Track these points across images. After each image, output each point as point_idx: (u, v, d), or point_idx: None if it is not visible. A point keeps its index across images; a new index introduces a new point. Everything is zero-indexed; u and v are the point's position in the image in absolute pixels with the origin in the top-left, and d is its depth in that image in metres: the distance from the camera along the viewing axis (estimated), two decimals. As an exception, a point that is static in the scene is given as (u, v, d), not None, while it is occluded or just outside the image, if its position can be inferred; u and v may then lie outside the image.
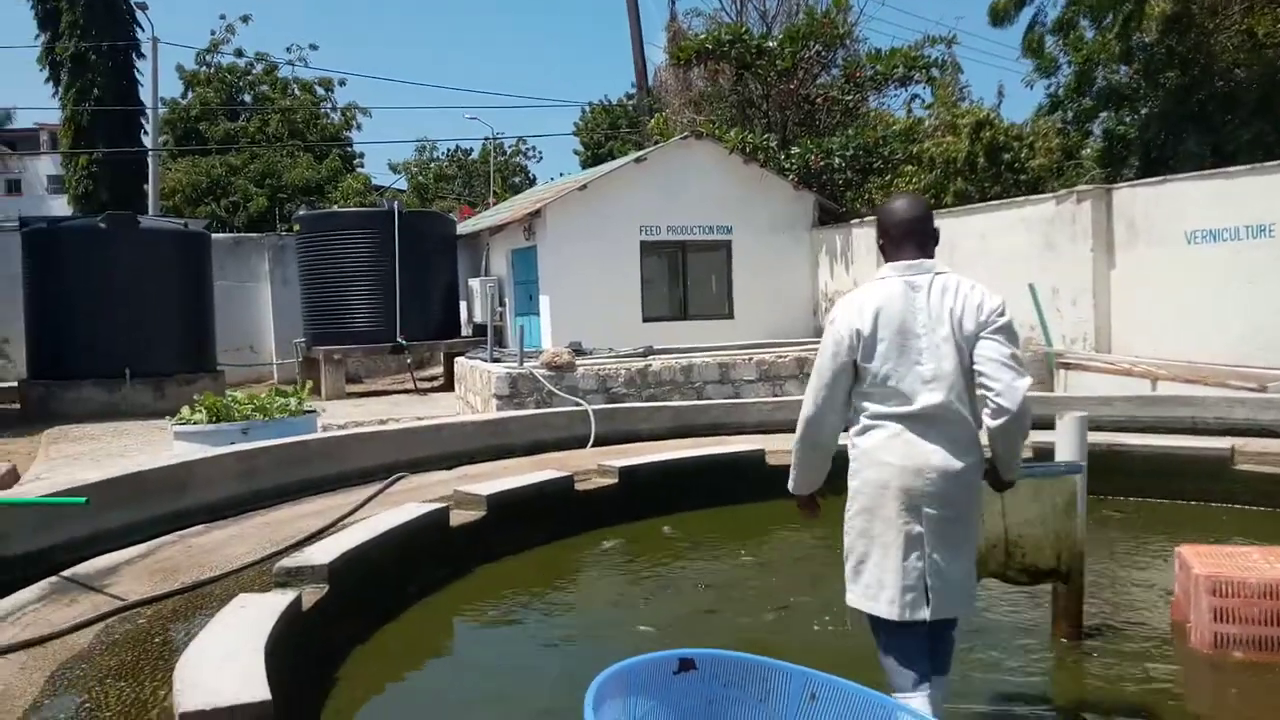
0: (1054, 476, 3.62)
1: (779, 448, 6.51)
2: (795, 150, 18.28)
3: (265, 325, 19.40)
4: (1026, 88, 21.30)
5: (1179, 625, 4.09)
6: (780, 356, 12.37)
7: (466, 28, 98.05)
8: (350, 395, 15.88)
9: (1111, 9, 17.48)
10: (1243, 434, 6.81)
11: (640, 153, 17.87)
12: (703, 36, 19.74)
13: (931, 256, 2.92)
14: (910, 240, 2.91)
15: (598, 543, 5.83)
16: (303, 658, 3.55)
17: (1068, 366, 11.45)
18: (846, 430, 2.98)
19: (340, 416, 11.82)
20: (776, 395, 11.41)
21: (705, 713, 2.22)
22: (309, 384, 10.08)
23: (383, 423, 10.72)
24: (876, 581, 2.81)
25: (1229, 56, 17.04)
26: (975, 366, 2.76)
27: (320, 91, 40.62)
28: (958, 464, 2.75)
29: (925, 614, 2.74)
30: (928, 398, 2.75)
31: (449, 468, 6.63)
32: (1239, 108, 16.66)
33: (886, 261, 2.94)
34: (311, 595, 3.86)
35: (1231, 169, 10.42)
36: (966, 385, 2.80)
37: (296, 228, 17.89)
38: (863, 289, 2.93)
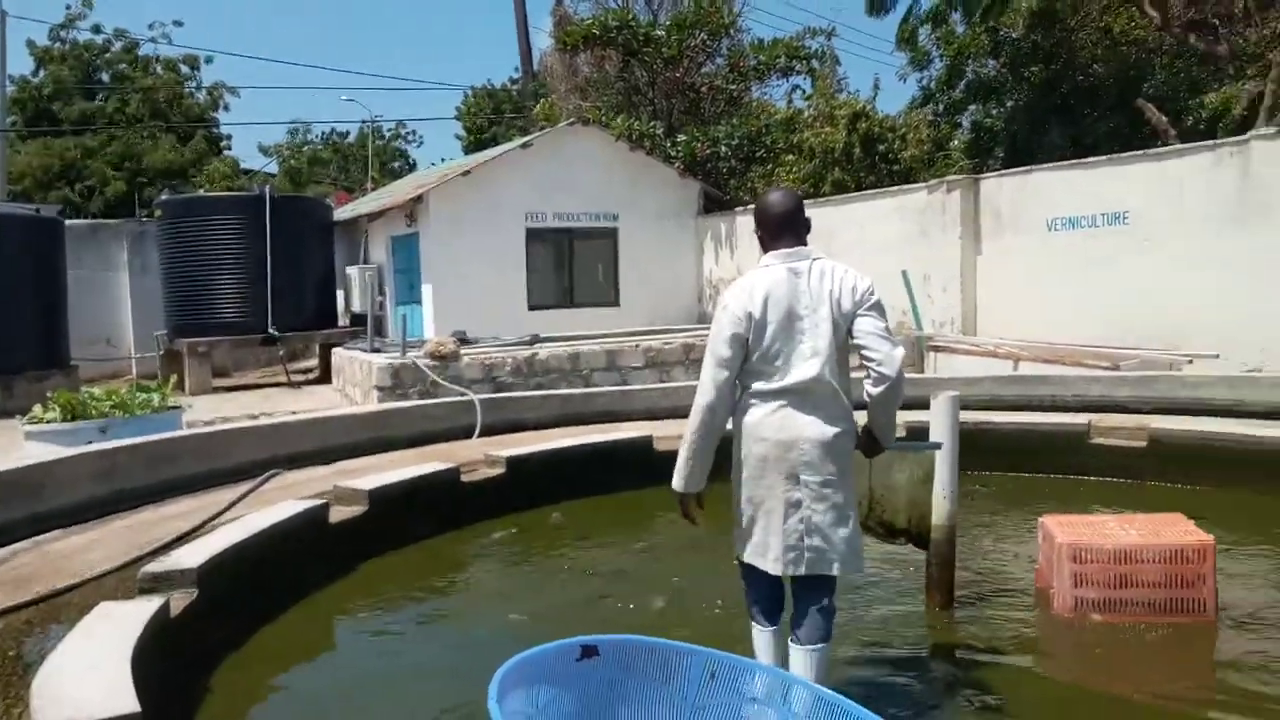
0: (916, 452, 3.92)
1: (667, 433, 6.56)
2: (681, 138, 18.42)
3: (124, 317, 18.27)
4: (900, 81, 22.02)
5: (1043, 592, 4.32)
6: (667, 343, 12.46)
7: (343, 6, 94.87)
8: (218, 390, 15.18)
9: (980, 2, 18.20)
10: (1098, 410, 7.23)
11: (526, 138, 17.68)
12: (589, 22, 19.64)
13: (806, 244, 3.16)
14: (787, 230, 3.15)
15: (486, 534, 5.75)
16: (173, 666, 3.40)
17: (937, 349, 11.94)
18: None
19: (207, 412, 11.27)
20: (664, 382, 11.47)
21: (608, 697, 2.24)
22: (173, 378, 9.58)
23: (254, 418, 10.31)
24: (763, 543, 3.07)
25: (1088, 52, 17.99)
26: (855, 341, 3.03)
27: (185, 70, 38.68)
28: (831, 431, 3.01)
29: (800, 570, 3.03)
30: (805, 371, 3.00)
31: (328, 463, 6.42)
32: (1098, 101, 17.63)
33: (766, 251, 3.17)
34: (180, 600, 3.70)
35: (1090, 160, 11.04)
36: (839, 361, 3.05)
37: (159, 213, 16.95)
38: (750, 276, 3.14)
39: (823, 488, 3.00)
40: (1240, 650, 3.73)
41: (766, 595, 3.15)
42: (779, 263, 3.08)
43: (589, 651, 2.23)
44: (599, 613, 4.49)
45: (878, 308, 3.06)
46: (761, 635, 3.13)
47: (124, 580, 3.95)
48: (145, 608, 3.41)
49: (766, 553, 3.05)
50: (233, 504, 5.19)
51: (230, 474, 5.89)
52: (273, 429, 6.69)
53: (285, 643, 4.15)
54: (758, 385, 3.05)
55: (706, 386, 3.07)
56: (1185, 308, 9.45)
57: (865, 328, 3.00)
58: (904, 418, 6.71)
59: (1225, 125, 13.69)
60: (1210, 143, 9.84)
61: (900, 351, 3.02)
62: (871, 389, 3.01)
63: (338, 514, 5.14)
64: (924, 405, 7.45)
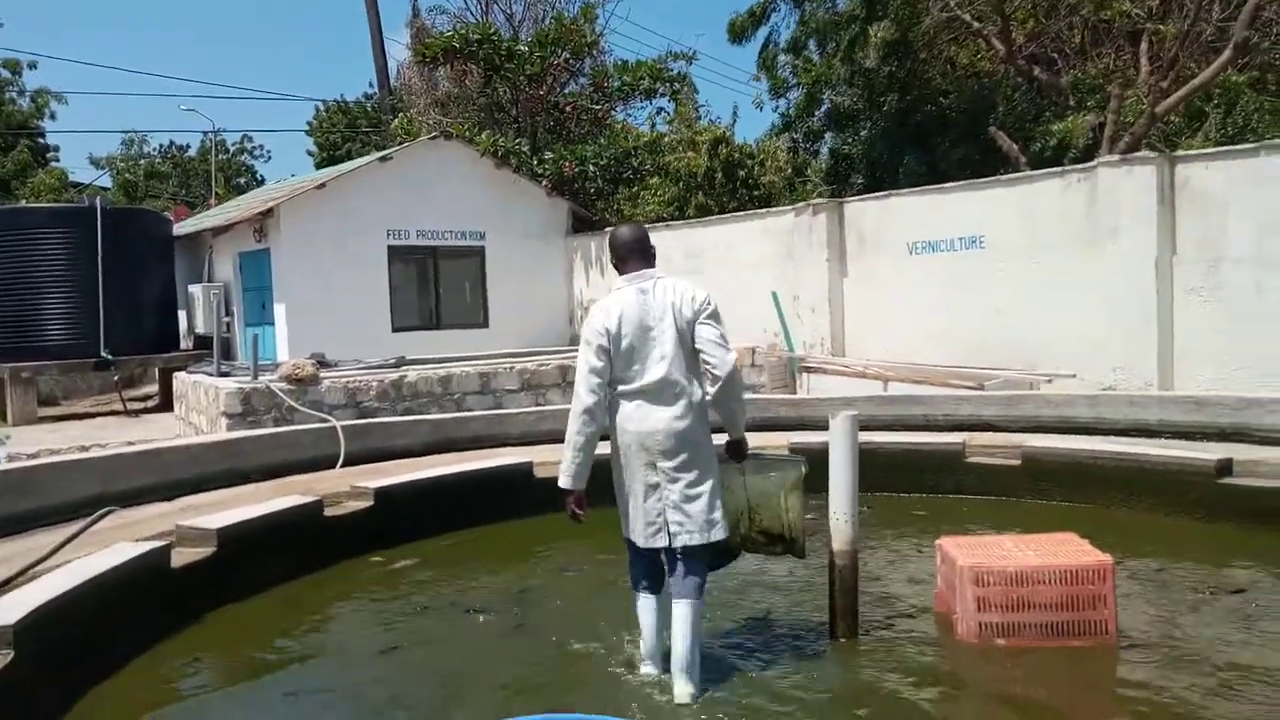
0: (783, 465, 4.11)
1: (546, 459, 6.24)
2: (549, 156, 18.15)
3: (-66, 339, 16.57)
4: (757, 109, 22.55)
5: (943, 617, 4.23)
6: (543, 365, 12.06)
7: (181, 9, 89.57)
8: (44, 419, 13.88)
9: (836, 33, 18.78)
10: (968, 429, 7.36)
11: (385, 151, 17.02)
12: (450, 35, 19.13)
13: (653, 267, 3.77)
14: (635, 256, 3.77)
15: (353, 573, 5.30)
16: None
17: (809, 370, 12.08)
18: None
19: (31, 444, 10.25)
20: (540, 405, 11.09)
21: None
22: (-9, 406, 8.59)
23: (85, 449, 9.41)
24: (628, 518, 3.67)
25: (938, 83, 18.81)
26: (696, 346, 3.58)
27: (4, 74, 35.66)
28: (680, 424, 3.58)
29: (664, 542, 3.57)
30: (656, 373, 3.58)
31: (170, 498, 5.83)
32: (950, 130, 18.41)
33: (620, 275, 3.79)
34: (-9, 664, 3.16)
35: (946, 185, 11.40)
36: (686, 361, 3.61)
37: (-26, 226, 15.41)
38: (608, 297, 3.73)
39: (676, 471, 3.56)
40: (1143, 674, 3.69)
41: (646, 571, 3.69)
42: (629, 284, 3.68)
43: None
44: (494, 665, 4.13)
45: (714, 316, 3.62)
46: (644, 603, 3.67)
47: (-80, 645, 3.35)
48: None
49: (633, 526, 3.63)
50: (59, 547, 4.53)
51: (57, 513, 5.24)
52: (106, 461, 6.00)
53: (120, 705, 3.67)
54: (622, 387, 3.62)
55: (581, 393, 3.60)
56: (1040, 328, 9.84)
57: (703, 334, 3.57)
58: (790, 439, 6.66)
59: (1072, 153, 14.47)
60: (1059, 169, 10.32)
61: (732, 356, 3.60)
62: (709, 387, 3.60)
63: (181, 557, 4.65)
64: (803, 426, 7.45)
